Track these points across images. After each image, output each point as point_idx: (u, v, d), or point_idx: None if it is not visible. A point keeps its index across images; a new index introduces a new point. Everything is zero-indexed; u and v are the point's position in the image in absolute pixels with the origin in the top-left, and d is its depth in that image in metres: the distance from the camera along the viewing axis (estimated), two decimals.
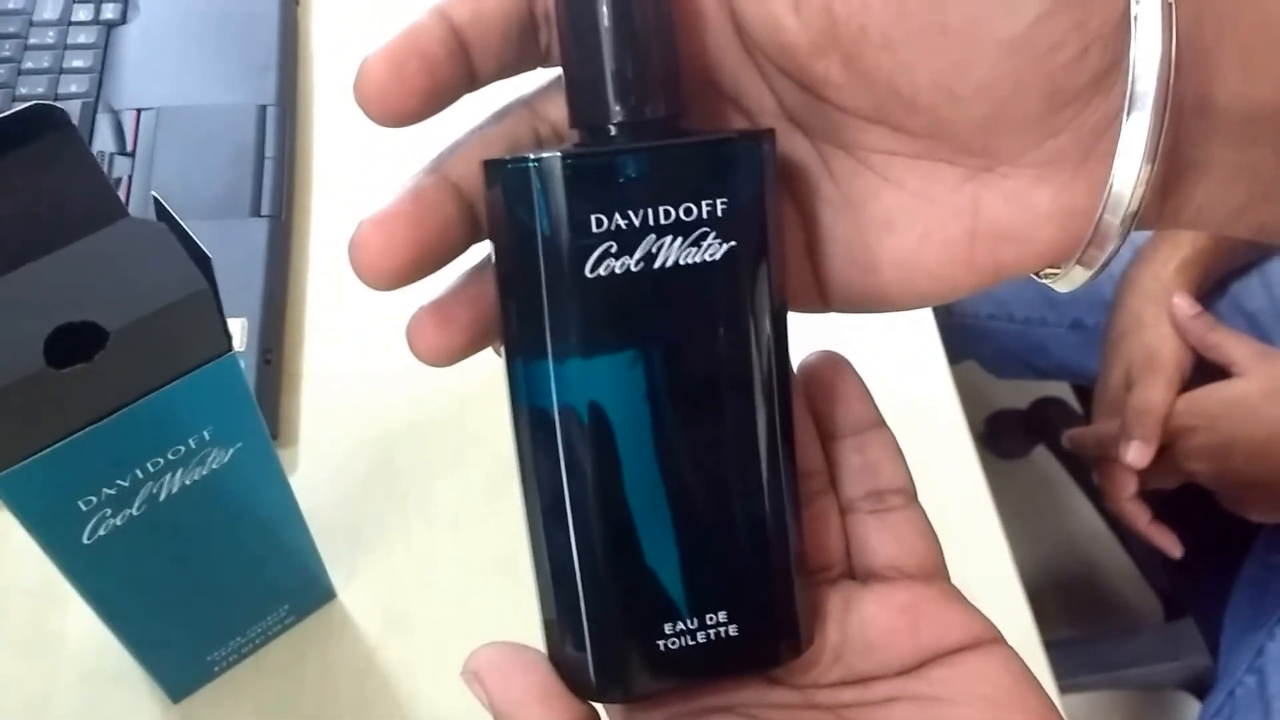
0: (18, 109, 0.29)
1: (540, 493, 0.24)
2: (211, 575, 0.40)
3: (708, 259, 0.22)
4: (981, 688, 0.26)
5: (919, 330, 0.58)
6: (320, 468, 0.51)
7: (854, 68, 0.22)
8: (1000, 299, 0.92)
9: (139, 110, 0.57)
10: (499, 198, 0.22)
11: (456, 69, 0.22)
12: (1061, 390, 1.21)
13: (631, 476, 0.23)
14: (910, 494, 0.28)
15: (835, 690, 0.26)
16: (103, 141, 0.56)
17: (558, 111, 0.24)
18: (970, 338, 0.94)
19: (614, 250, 0.22)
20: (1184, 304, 0.76)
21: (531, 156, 0.22)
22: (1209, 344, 0.75)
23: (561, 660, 0.25)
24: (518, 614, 0.46)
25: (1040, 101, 0.21)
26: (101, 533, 0.33)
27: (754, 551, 0.24)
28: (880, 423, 0.28)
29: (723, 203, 0.22)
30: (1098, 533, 1.21)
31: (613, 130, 0.23)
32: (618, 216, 0.22)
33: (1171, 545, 0.78)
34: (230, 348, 0.31)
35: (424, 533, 0.50)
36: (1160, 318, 0.76)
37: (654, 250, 0.22)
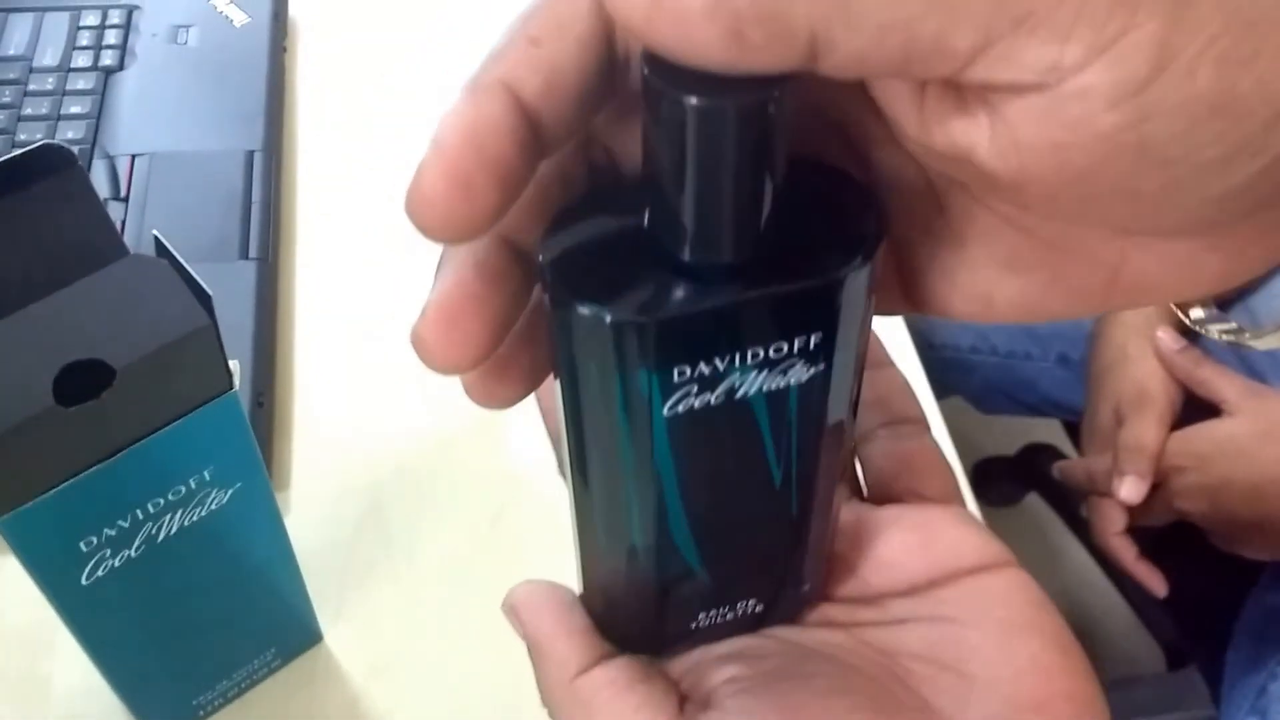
0: (25, 149, 0.30)
1: (596, 515, 0.24)
2: (204, 616, 0.40)
3: (790, 384, 0.21)
4: (996, 609, 0.26)
5: (902, 367, 0.59)
6: (311, 511, 0.52)
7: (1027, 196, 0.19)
8: (981, 331, 0.92)
9: (133, 156, 0.58)
10: (564, 330, 0.20)
11: (528, 161, 0.18)
12: (1051, 432, 1.21)
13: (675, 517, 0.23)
14: (924, 425, 0.29)
15: (851, 608, 0.27)
16: (99, 186, 0.57)
17: (622, 141, 0.21)
18: (954, 372, 0.94)
19: (694, 392, 0.20)
20: (1168, 338, 0.75)
21: (608, 312, 0.19)
22: (1197, 380, 0.75)
23: (595, 619, 0.26)
24: (504, 660, 0.47)
25: (1250, 205, 0.18)
26: (100, 574, 0.34)
27: (788, 561, 0.25)
28: (890, 363, 0.29)
29: (816, 337, 0.20)
30: (1094, 581, 1.21)
31: (698, 265, 0.19)
32: (702, 365, 0.20)
33: (1157, 584, 0.78)
34: (232, 385, 0.32)
35: (411, 577, 0.50)
36: (1145, 351, 0.76)
37: (736, 385, 0.20)
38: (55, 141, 0.30)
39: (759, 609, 0.26)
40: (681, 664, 0.26)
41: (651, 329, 0.19)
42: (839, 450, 0.24)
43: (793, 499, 0.24)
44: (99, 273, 0.30)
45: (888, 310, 0.23)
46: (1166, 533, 0.79)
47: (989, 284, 0.22)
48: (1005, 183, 0.18)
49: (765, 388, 0.21)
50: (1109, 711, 0.25)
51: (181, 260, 0.31)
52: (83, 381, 0.28)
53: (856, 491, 0.29)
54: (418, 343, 0.20)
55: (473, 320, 0.20)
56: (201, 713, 0.45)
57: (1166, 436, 0.75)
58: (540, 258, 0.20)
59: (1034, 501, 1.29)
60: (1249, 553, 0.76)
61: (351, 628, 0.48)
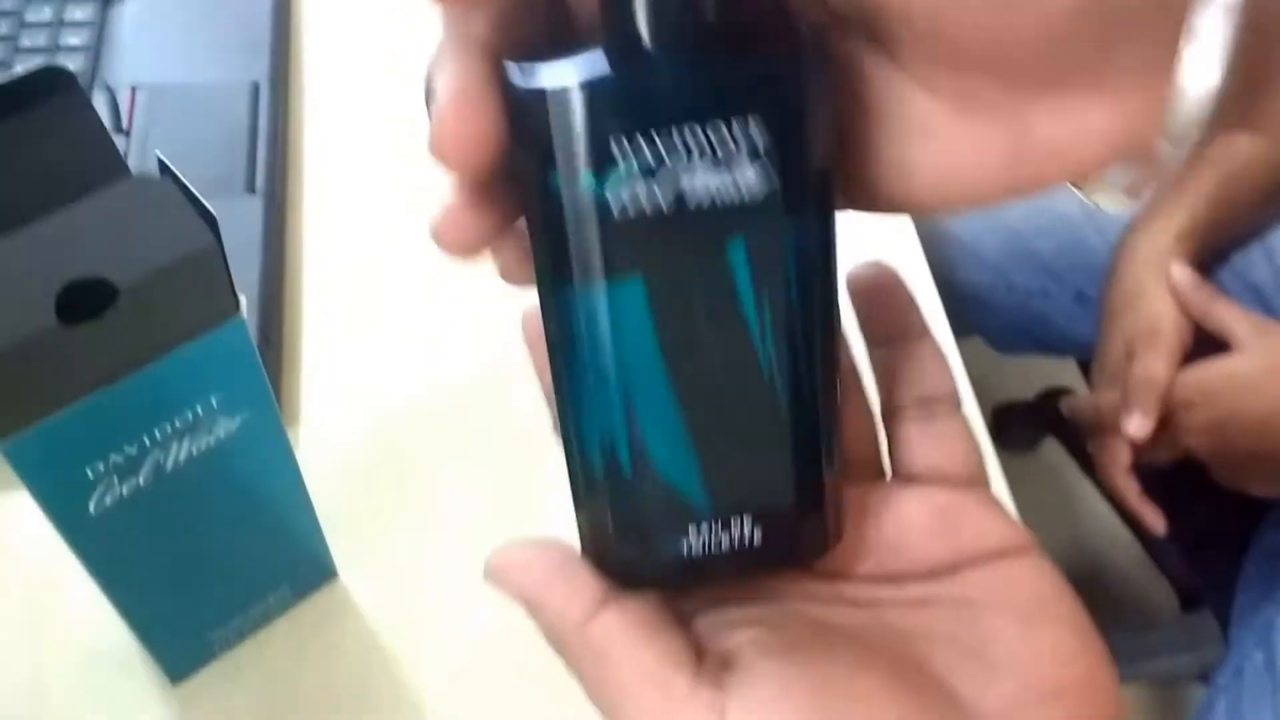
0: (25, 70, 0.30)
1: (564, 396, 0.24)
2: (215, 549, 0.40)
3: (744, 199, 0.22)
4: (1017, 595, 0.26)
5: (921, 304, 0.59)
6: (321, 448, 0.52)
7: None
8: (1000, 269, 0.92)
9: (134, 88, 0.58)
10: (511, 117, 0.22)
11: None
12: (1068, 376, 1.21)
13: (653, 369, 0.23)
14: (955, 402, 0.29)
15: (868, 586, 0.27)
16: None
17: None
18: (973, 310, 0.95)
19: (638, 179, 0.21)
20: (1183, 275, 0.77)
21: (546, 80, 0.21)
22: (1209, 316, 0.76)
23: (590, 557, 0.25)
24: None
25: (1102, 24, 0.20)
26: (107, 503, 0.34)
27: (779, 447, 0.24)
28: (927, 332, 0.29)
29: (759, 128, 0.21)
30: (1110, 525, 1.22)
31: (644, 40, 0.22)
32: (641, 141, 0.21)
33: (1157, 522, 0.80)
34: (239, 310, 0.32)
35: (425, 514, 0.50)
36: (1161, 287, 0.77)
37: (683, 187, 0.21)
38: (55, 63, 0.29)
39: (757, 536, 0.25)
40: (696, 625, 0.26)
41: (583, 90, 0.21)
42: (827, 331, 0.24)
43: (774, 376, 0.23)
44: (101, 192, 0.29)
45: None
46: (1175, 472, 0.80)
47: (909, 151, 0.23)
48: (895, 7, 0.21)
49: (717, 196, 0.21)
50: (1122, 704, 0.26)
51: (186, 181, 0.30)
52: (86, 301, 0.28)
53: (880, 472, 0.29)
54: (436, 142, 0.22)
55: (480, 113, 0.22)
56: (216, 648, 0.45)
57: (1176, 372, 0.76)
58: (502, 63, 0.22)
59: (1051, 446, 1.30)
60: (1254, 490, 0.77)
61: (365, 564, 0.49)
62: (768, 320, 0.23)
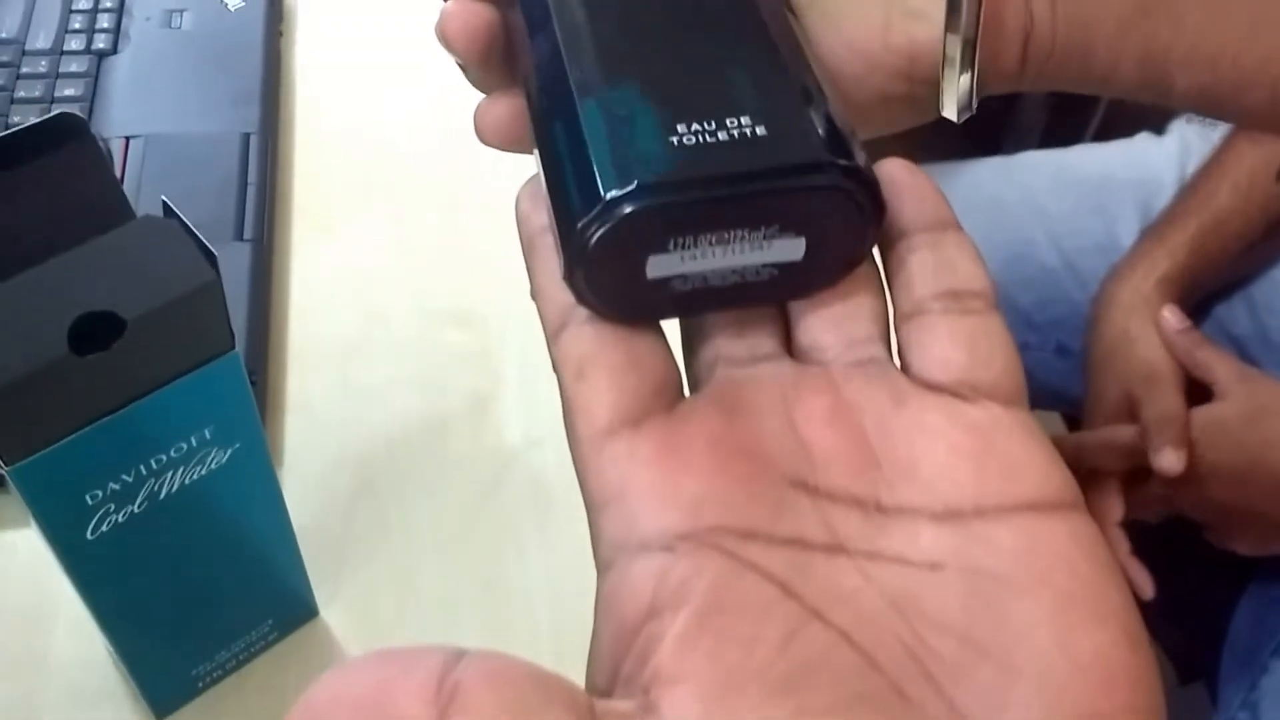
0: (41, 119, 0.33)
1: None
2: (203, 579, 0.43)
3: None
4: (1056, 574, 0.20)
5: None
6: (303, 488, 0.54)
7: None
8: None
9: (128, 138, 0.61)
10: None
11: None
12: (1051, 423, 1.23)
13: None
14: (992, 300, 0.23)
15: (870, 526, 0.22)
16: None
17: None
18: None
19: None
20: (1173, 317, 0.79)
21: None
22: (1194, 361, 0.78)
23: (572, 191, 0.23)
24: (498, 634, 0.49)
25: None
26: (104, 528, 0.37)
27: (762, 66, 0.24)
28: (957, 226, 0.24)
29: None
30: None
31: None
32: None
33: (1145, 584, 0.79)
34: (234, 345, 0.35)
35: (404, 553, 0.53)
36: (1148, 331, 0.79)
37: None
38: (70, 111, 0.33)
39: (757, 127, 0.22)
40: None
41: None
42: None
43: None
44: (112, 232, 0.33)
45: None
46: (1166, 532, 0.81)
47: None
48: None
49: None
50: None
51: (188, 222, 0.34)
52: (96, 333, 0.31)
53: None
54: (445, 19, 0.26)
55: None
56: (200, 684, 0.47)
57: (1188, 407, 0.76)
58: None
59: None
60: (1241, 548, 0.78)
61: (346, 602, 0.51)
62: None
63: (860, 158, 0.23)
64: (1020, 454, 0.22)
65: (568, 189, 0.23)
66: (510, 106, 0.30)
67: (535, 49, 0.26)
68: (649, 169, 0.22)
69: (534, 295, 0.25)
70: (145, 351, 0.32)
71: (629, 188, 0.21)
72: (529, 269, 0.25)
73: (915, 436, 0.22)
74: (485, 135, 0.30)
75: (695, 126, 0.22)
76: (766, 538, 0.21)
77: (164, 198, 0.34)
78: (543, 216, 0.25)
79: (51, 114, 0.33)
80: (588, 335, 0.23)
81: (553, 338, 0.24)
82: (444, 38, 0.29)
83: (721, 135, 0.22)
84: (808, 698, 0.19)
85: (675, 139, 0.22)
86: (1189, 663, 1.03)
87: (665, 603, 0.20)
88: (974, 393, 0.22)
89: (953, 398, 0.22)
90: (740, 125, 0.22)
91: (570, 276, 0.23)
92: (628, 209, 0.21)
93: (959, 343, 0.23)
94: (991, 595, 0.20)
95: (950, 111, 0.29)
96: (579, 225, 0.22)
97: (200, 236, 0.33)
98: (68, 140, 0.33)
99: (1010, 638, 0.20)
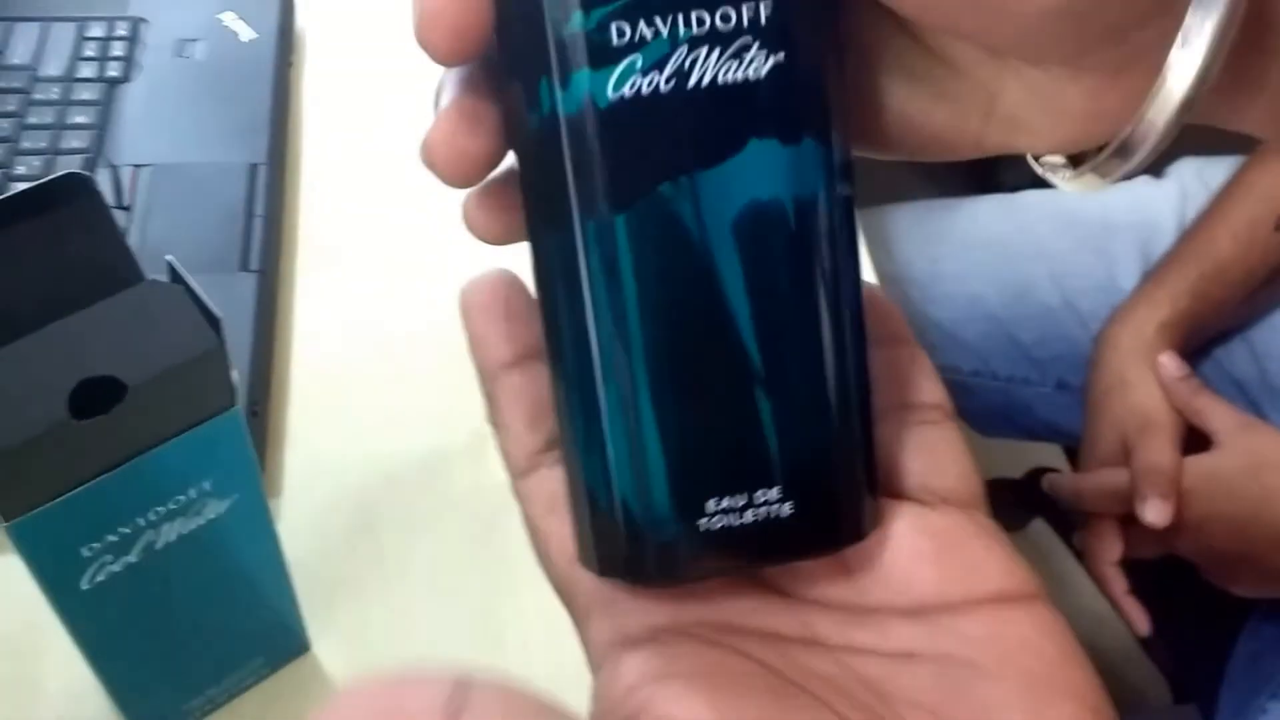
0: (48, 178, 0.34)
1: (565, 352, 0.22)
2: (197, 622, 0.43)
3: (750, 76, 0.20)
4: (1022, 657, 0.22)
5: None
6: (301, 521, 0.54)
7: None
8: (982, 356, 0.94)
9: (137, 166, 0.62)
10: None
11: None
12: (1053, 458, 1.24)
13: (674, 323, 0.21)
14: (948, 411, 0.25)
15: (844, 623, 0.23)
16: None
17: None
18: (955, 395, 0.97)
19: (639, 65, 0.20)
20: (1171, 364, 0.78)
21: None
22: (1192, 409, 0.77)
23: (592, 532, 0.23)
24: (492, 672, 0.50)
25: (1078, 27, 0.19)
26: (100, 578, 0.37)
27: (818, 413, 0.22)
28: (912, 342, 0.26)
29: (766, 6, 0.20)
30: (1100, 609, 1.23)
31: None
32: (642, 25, 0.20)
33: (1141, 622, 0.80)
34: (235, 403, 0.35)
35: (399, 588, 0.53)
36: (1145, 377, 0.79)
37: (686, 66, 0.20)
38: (78, 170, 0.33)
39: (788, 508, 0.22)
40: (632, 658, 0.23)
41: None
42: (846, 234, 0.22)
43: (816, 319, 0.22)
44: (116, 296, 0.33)
45: None
46: (1164, 571, 0.81)
47: (879, 90, 0.23)
48: None
49: (722, 73, 0.20)
50: None
51: (194, 284, 0.34)
52: (97, 397, 0.31)
53: None
54: (429, 147, 0.23)
55: (478, 126, 0.22)
56: (190, 719, 0.48)
57: (1180, 457, 0.76)
58: None
59: (1040, 526, 1.31)
60: (1239, 590, 0.78)
61: (339, 637, 0.51)
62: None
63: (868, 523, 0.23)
64: (981, 553, 0.23)
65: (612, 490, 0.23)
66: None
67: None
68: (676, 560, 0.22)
69: (493, 425, 0.25)
70: (145, 414, 0.33)
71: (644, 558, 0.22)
72: (488, 399, 0.25)
73: (882, 542, 0.23)
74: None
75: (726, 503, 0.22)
76: (745, 630, 0.23)
77: (169, 258, 0.34)
78: (503, 351, 0.25)
79: (59, 173, 0.33)
80: (559, 476, 0.24)
81: (519, 475, 0.25)
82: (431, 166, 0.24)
83: (749, 516, 0.22)
84: None
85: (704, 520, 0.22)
86: (1183, 681, 1.03)
87: (655, 677, 0.22)
88: (933, 498, 0.24)
89: (914, 504, 0.24)
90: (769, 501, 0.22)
91: (605, 573, 0.23)
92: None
93: (919, 454, 0.24)
94: (962, 679, 0.22)
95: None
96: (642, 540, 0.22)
97: (205, 300, 0.33)
98: (76, 199, 0.34)
99: (982, 715, 0.22)
